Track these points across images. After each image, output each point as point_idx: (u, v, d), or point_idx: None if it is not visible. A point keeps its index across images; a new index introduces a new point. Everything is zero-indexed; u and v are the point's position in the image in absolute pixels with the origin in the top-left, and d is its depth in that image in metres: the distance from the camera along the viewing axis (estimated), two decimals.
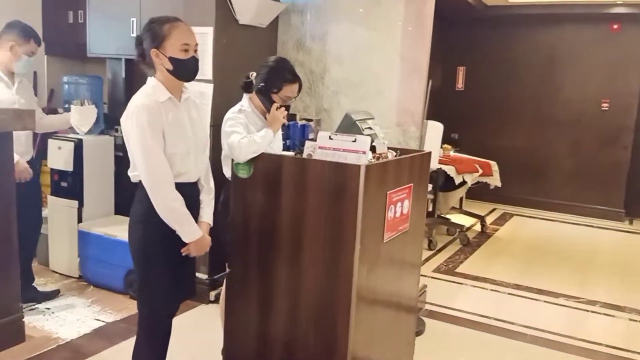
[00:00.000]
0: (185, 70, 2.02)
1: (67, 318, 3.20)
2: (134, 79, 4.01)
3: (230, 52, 3.41)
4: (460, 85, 7.60)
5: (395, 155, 2.51)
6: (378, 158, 2.43)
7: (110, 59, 4.07)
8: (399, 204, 2.41)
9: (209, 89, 3.33)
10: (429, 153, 2.74)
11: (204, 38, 3.31)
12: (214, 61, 3.31)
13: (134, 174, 2.07)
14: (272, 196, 2.23)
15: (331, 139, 2.19)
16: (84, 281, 3.69)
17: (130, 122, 1.97)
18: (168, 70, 2.01)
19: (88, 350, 2.85)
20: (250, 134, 2.30)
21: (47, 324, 3.11)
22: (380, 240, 2.29)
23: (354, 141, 2.15)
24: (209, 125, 3.22)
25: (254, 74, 2.48)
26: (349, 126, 2.59)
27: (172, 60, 1.99)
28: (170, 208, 2.01)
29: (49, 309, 3.30)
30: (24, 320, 2.92)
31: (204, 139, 2.19)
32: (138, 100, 2.00)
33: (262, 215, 2.26)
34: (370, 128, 2.68)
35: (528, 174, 7.17)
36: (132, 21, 3.78)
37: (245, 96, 2.49)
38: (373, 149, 2.44)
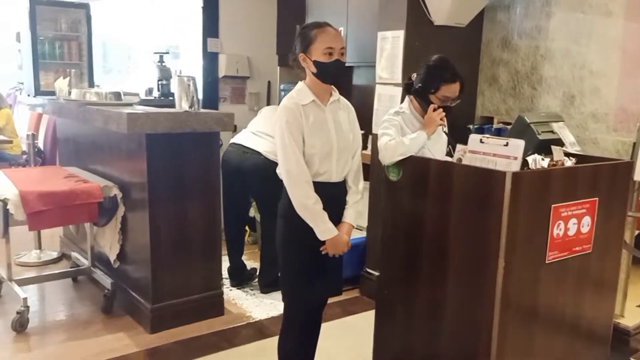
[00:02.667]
0: (327, 73, 2.07)
1: (263, 300, 3.57)
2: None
3: (423, 54, 3.33)
4: None
5: (575, 163, 2.16)
6: (554, 165, 2.13)
7: None
8: (573, 220, 2.06)
9: (397, 92, 3.32)
10: (629, 163, 2.28)
11: (396, 42, 3.33)
12: (404, 64, 3.30)
13: (280, 171, 2.18)
14: (418, 200, 2.14)
15: (482, 142, 2.00)
16: None
17: (276, 122, 2.09)
18: (313, 74, 2.09)
19: (271, 331, 3.13)
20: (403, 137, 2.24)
21: (245, 303, 3.51)
22: (541, 260, 2.00)
23: (506, 145, 1.93)
24: None
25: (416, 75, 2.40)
26: (521, 129, 2.32)
27: (316, 63, 2.06)
28: (303, 205, 2.07)
29: (252, 289, 3.72)
30: (224, 296, 3.36)
31: (351, 141, 2.18)
32: (283, 102, 2.11)
33: (408, 219, 2.19)
34: (552, 132, 2.35)
35: None
36: (340, 30, 4.00)
37: (407, 98, 2.43)
38: (551, 154, 2.15)
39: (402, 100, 3.19)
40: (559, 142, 2.32)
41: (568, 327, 2.19)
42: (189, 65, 5.47)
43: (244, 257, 3.87)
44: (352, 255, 3.53)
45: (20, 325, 3.02)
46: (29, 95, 4.35)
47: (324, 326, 2.37)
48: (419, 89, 2.31)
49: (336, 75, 2.11)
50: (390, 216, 2.29)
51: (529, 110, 3.38)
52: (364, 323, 3.25)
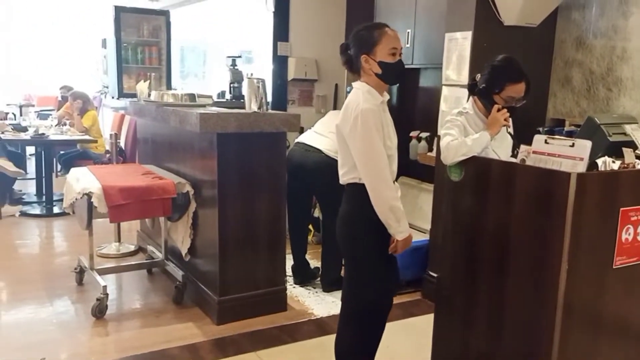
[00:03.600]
0: (393, 73, 2.11)
1: (325, 299, 3.63)
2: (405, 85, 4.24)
3: (490, 55, 3.27)
4: None
5: None
6: (625, 168, 2.06)
7: None
8: None
9: (464, 94, 3.29)
10: None
11: (463, 43, 3.30)
12: (470, 66, 3.26)
13: (347, 177, 2.19)
14: (479, 201, 2.13)
15: (547, 143, 1.97)
16: None
17: (353, 124, 2.07)
18: (376, 75, 2.11)
19: (331, 328, 3.17)
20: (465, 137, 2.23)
21: (307, 300, 3.59)
22: (607, 265, 1.93)
23: (572, 146, 1.88)
24: None
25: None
26: (591, 130, 2.26)
27: (381, 64, 2.09)
28: (392, 207, 2.08)
29: (314, 287, 3.79)
30: (287, 292, 3.45)
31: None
32: (360, 104, 2.08)
33: (469, 220, 2.18)
34: (624, 134, 2.27)
35: None
36: (408, 32, 4.02)
37: (471, 98, 2.41)
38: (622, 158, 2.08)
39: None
40: (632, 145, 2.23)
41: (635, 335, 2.10)
42: (261, 68, 5.65)
43: (307, 256, 3.95)
44: (415, 258, 3.53)
45: (99, 311, 3.24)
46: (112, 98, 4.65)
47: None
48: (483, 89, 2.29)
49: (400, 76, 2.15)
50: (451, 217, 2.28)
51: (604, 112, 3.25)
52: (425, 325, 3.23)
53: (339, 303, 3.48)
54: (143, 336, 3.07)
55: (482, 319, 2.15)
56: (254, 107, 3.18)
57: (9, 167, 5.27)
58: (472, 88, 2.38)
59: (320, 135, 3.73)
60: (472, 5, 3.23)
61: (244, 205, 3.22)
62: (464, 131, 2.27)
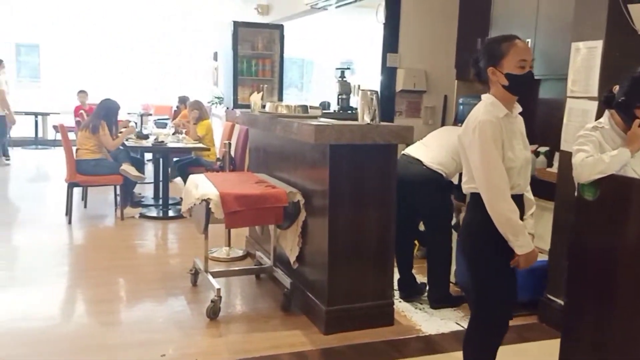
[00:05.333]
0: (520, 85, 2.05)
1: (433, 315, 3.53)
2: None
3: (623, 66, 3.04)
4: None
5: None
6: None
7: None
8: None
9: (592, 107, 3.08)
10: None
11: (593, 52, 3.10)
12: (601, 77, 3.05)
13: (467, 186, 2.18)
14: (616, 223, 1.97)
15: None
16: (457, 288, 3.96)
17: (472, 136, 2.08)
18: (503, 87, 2.06)
19: (441, 347, 3.09)
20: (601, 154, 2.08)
21: (415, 316, 3.51)
22: None
23: None
24: None
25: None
26: None
27: (508, 76, 2.04)
28: (508, 218, 2.05)
29: (421, 303, 3.71)
30: (394, 306, 3.40)
31: (529, 153, 2.18)
32: (479, 116, 2.10)
33: (602, 243, 2.02)
34: None
35: None
36: (527, 42, 3.83)
37: (607, 112, 2.25)
38: None
39: (598, 116, 2.97)
40: None
41: None
42: (364, 79, 5.67)
43: (413, 271, 3.87)
44: (532, 279, 3.34)
45: (213, 313, 3.37)
46: (227, 108, 4.87)
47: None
48: (622, 102, 2.13)
49: (528, 87, 2.08)
50: (580, 238, 2.14)
51: None
52: (541, 352, 3.06)
53: (449, 322, 3.42)
54: (253, 340, 3.15)
55: (614, 349, 1.98)
56: (367, 119, 3.18)
57: (132, 171, 5.68)
58: (609, 101, 2.22)
59: (425, 147, 3.66)
60: (604, 13, 3.02)
61: (353, 217, 3.22)
62: (600, 147, 2.13)
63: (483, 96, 2.17)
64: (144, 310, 3.56)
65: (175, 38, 12.28)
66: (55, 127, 10.41)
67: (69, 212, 5.56)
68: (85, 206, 6.18)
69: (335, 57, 11.41)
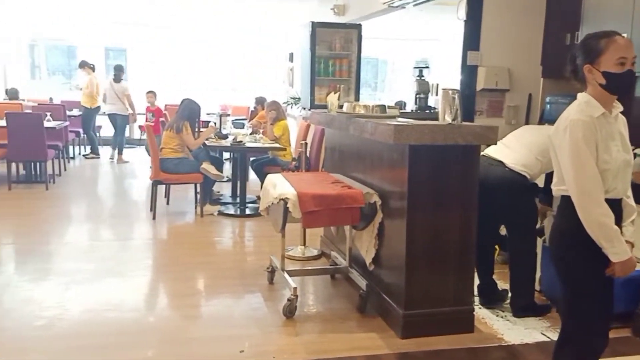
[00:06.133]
0: (618, 84, 1.94)
1: (516, 323, 3.38)
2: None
3: None
4: None
5: None
6: None
7: None
8: None
9: None
10: None
11: None
12: None
13: (557, 188, 2.08)
14: None
15: None
16: (543, 296, 3.77)
17: (563, 136, 1.99)
18: (601, 85, 1.94)
19: (524, 358, 2.96)
20: None
21: (496, 324, 3.38)
22: None
23: None
24: None
25: None
26: None
27: (605, 74, 1.93)
28: (600, 223, 1.95)
29: (502, 311, 3.56)
30: (474, 313, 3.28)
31: (630, 156, 2.04)
32: (572, 115, 2.00)
33: None
34: None
35: None
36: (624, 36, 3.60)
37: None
38: None
39: None
40: None
41: None
42: (441, 78, 5.53)
43: (494, 277, 3.73)
44: (626, 289, 3.12)
45: (289, 311, 3.40)
46: (304, 109, 4.91)
47: None
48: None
49: (627, 87, 1.96)
50: None
51: None
52: None
53: (534, 332, 3.27)
54: (329, 340, 3.15)
55: None
56: (448, 119, 3.10)
57: (212, 170, 5.85)
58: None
59: (507, 147, 3.50)
60: None
61: (433, 219, 3.15)
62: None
63: (579, 95, 2.06)
64: (223, 306, 3.65)
65: (252, 40, 12.58)
66: (140, 127, 10.93)
67: (153, 208, 5.81)
68: (167, 203, 6.44)
69: (410, 55, 11.24)
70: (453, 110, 3.09)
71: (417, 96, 4.81)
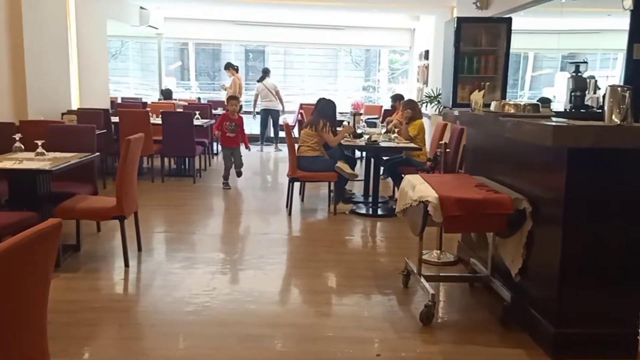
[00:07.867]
0: None
1: None
2: None
3: None
4: None
5: None
6: None
7: None
8: None
9: None
10: None
11: None
12: None
13: None
14: None
15: None
16: None
17: None
18: None
19: None
20: None
21: None
22: None
23: None
24: None
25: None
26: None
27: None
28: None
29: None
30: (639, 336, 2.91)
31: None
32: None
33: None
34: None
35: None
36: None
37: None
38: None
39: None
40: None
41: None
42: (593, 74, 5.02)
43: None
44: None
45: (427, 318, 3.27)
46: (445, 107, 4.72)
47: None
48: None
49: None
50: None
51: None
52: None
53: None
54: (470, 352, 2.98)
55: None
56: (616, 120, 2.77)
57: (346, 169, 5.87)
58: None
59: None
60: None
61: (594, 229, 2.84)
62: None
63: None
64: (358, 306, 3.61)
65: (380, 37, 12.54)
66: (280, 125, 11.37)
67: (289, 204, 5.97)
68: (302, 200, 6.58)
69: (556, 50, 10.43)
70: (623, 110, 2.76)
71: (573, 94, 4.39)
